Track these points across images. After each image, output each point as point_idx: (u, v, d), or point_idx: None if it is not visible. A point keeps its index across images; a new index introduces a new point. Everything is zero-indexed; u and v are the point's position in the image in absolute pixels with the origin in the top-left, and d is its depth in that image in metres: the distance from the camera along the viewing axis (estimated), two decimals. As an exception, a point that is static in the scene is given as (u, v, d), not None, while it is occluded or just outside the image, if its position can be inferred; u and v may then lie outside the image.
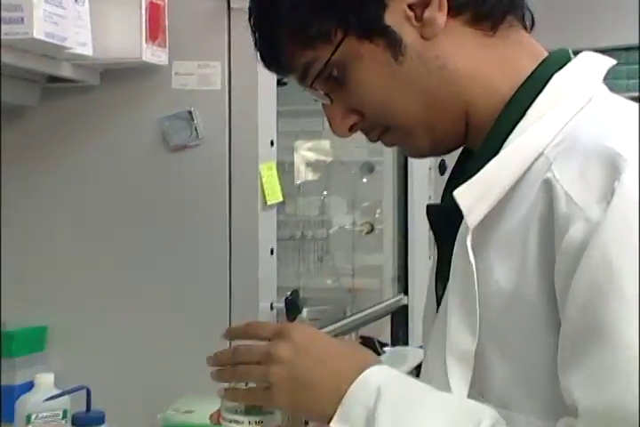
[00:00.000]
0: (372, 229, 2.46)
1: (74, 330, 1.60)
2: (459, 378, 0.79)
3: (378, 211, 2.52)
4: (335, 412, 0.77)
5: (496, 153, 0.80)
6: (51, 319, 1.60)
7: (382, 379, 0.78)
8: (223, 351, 0.88)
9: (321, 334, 0.86)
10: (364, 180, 2.55)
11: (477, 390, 0.79)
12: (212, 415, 0.90)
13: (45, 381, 1.42)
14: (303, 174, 2.53)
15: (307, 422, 0.93)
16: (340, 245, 2.49)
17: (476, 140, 0.86)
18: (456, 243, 0.81)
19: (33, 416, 1.37)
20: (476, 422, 0.72)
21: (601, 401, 0.68)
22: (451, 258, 0.82)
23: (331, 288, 2.48)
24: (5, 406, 1.49)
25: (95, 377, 1.36)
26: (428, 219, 0.90)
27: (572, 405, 0.70)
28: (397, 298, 2.44)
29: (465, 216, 0.79)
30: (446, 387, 0.79)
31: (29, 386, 1.46)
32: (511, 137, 0.81)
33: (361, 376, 0.78)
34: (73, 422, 1.29)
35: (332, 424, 0.76)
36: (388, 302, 2.40)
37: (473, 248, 0.78)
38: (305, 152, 2.52)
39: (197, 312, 1.54)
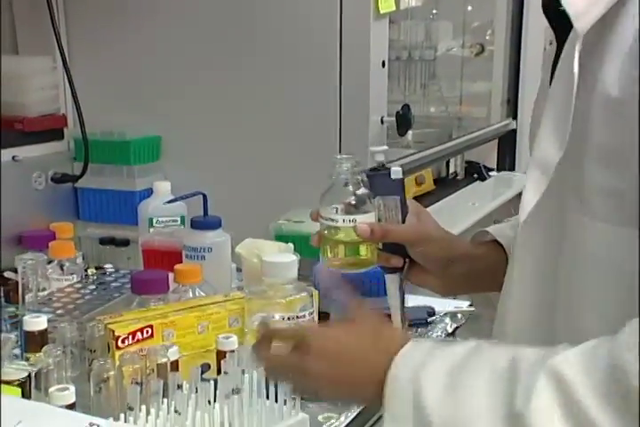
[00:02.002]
0: (482, 51, 2.36)
1: (187, 141, 1.64)
2: (534, 187, 0.76)
3: (489, 32, 2.40)
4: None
5: None
6: (165, 131, 1.64)
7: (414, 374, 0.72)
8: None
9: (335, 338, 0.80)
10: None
11: (574, 195, 0.75)
12: (311, 213, 0.92)
13: (163, 188, 1.48)
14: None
15: (404, 221, 0.91)
16: (448, 71, 2.40)
17: None
18: (565, 47, 0.75)
19: (154, 220, 1.44)
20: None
21: None
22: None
23: (436, 115, 2.43)
24: (127, 211, 1.56)
25: (208, 187, 1.39)
26: (545, 15, 0.84)
27: None
28: (505, 122, 2.38)
29: (573, 22, 0.72)
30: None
31: (148, 193, 1.52)
32: None
33: (390, 378, 0.73)
34: (192, 226, 1.34)
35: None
36: (495, 127, 2.34)
37: (582, 55, 0.71)
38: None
39: (308, 127, 1.54)
